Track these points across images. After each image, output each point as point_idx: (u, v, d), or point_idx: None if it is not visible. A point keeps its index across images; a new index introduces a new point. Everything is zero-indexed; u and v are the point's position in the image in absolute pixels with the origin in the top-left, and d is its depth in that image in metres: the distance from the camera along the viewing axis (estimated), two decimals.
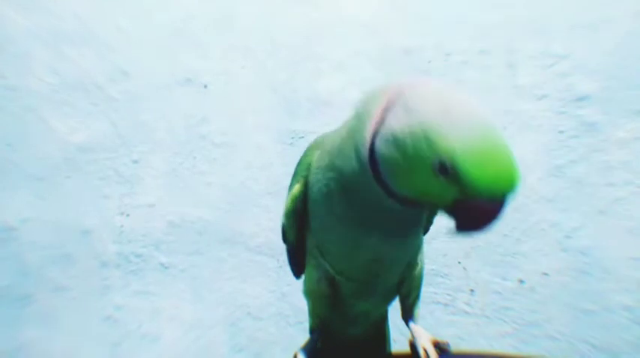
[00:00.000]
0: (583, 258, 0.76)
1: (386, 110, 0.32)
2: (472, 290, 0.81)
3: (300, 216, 0.43)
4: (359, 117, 0.34)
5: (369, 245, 0.38)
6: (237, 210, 0.90)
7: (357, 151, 0.33)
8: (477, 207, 0.29)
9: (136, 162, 0.92)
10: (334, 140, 0.38)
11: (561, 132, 0.76)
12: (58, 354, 0.90)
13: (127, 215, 0.91)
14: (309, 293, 0.46)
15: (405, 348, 0.44)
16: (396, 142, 0.31)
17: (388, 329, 0.53)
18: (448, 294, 0.82)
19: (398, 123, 0.31)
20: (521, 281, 0.79)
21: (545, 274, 0.78)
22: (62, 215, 0.92)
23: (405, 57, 0.85)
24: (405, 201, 0.33)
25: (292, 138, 0.89)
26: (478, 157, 0.29)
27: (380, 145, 0.32)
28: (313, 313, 0.47)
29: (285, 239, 0.47)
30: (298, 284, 0.89)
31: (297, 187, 0.42)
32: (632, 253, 0.75)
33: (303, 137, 0.88)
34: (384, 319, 0.51)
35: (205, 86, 0.90)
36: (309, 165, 0.41)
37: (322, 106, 0.87)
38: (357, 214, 0.37)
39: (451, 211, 0.31)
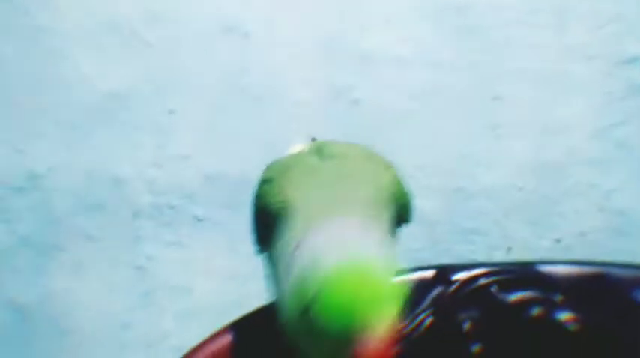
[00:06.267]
0: (621, 218, 0.78)
1: None
2: (509, 248, 0.83)
3: None
4: None
5: None
6: None
7: None
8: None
9: (171, 112, 0.89)
10: None
11: (608, 93, 0.77)
12: (87, 304, 0.89)
13: (161, 166, 0.90)
14: None
15: None
16: None
17: None
18: (485, 252, 0.84)
19: None
20: (558, 241, 0.81)
21: (582, 234, 0.80)
22: (92, 163, 0.90)
23: (457, 13, 0.83)
24: None
25: (336, 94, 0.88)
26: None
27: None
28: None
29: None
30: None
31: None
32: None
33: (346, 94, 0.87)
34: None
35: (246, 35, 0.88)
36: None
37: (368, 63, 0.86)
38: None
39: None
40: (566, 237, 0.81)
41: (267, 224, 0.32)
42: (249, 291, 0.88)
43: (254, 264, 0.88)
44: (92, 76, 0.89)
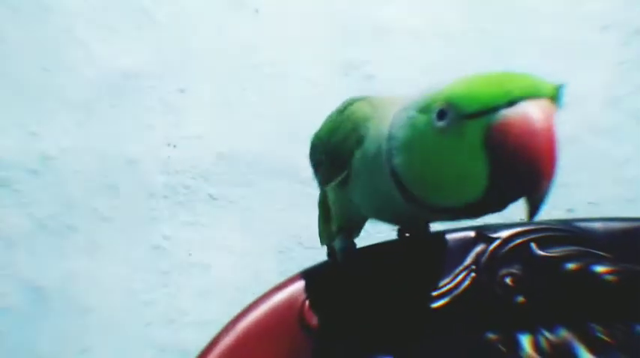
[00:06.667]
0: (633, 187, 0.80)
1: None
2: (521, 219, 0.84)
3: None
4: None
5: None
6: (287, 142, 0.89)
7: None
8: (514, 124, 0.21)
9: (182, 91, 0.89)
10: None
11: (622, 63, 0.77)
12: (106, 284, 0.90)
13: (174, 145, 0.90)
14: None
15: None
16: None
17: None
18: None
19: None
20: (570, 210, 0.82)
21: (594, 203, 0.81)
22: (105, 144, 0.90)
23: None
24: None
25: (347, 69, 0.87)
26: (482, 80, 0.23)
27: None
28: None
29: None
30: None
31: None
32: None
33: (359, 68, 0.87)
34: None
35: (257, 11, 0.87)
36: None
37: (381, 35, 0.85)
38: None
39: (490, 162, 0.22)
40: (579, 206, 0.82)
41: (353, 141, 0.32)
42: (265, 267, 0.90)
43: (268, 240, 0.90)
44: (102, 56, 0.88)
